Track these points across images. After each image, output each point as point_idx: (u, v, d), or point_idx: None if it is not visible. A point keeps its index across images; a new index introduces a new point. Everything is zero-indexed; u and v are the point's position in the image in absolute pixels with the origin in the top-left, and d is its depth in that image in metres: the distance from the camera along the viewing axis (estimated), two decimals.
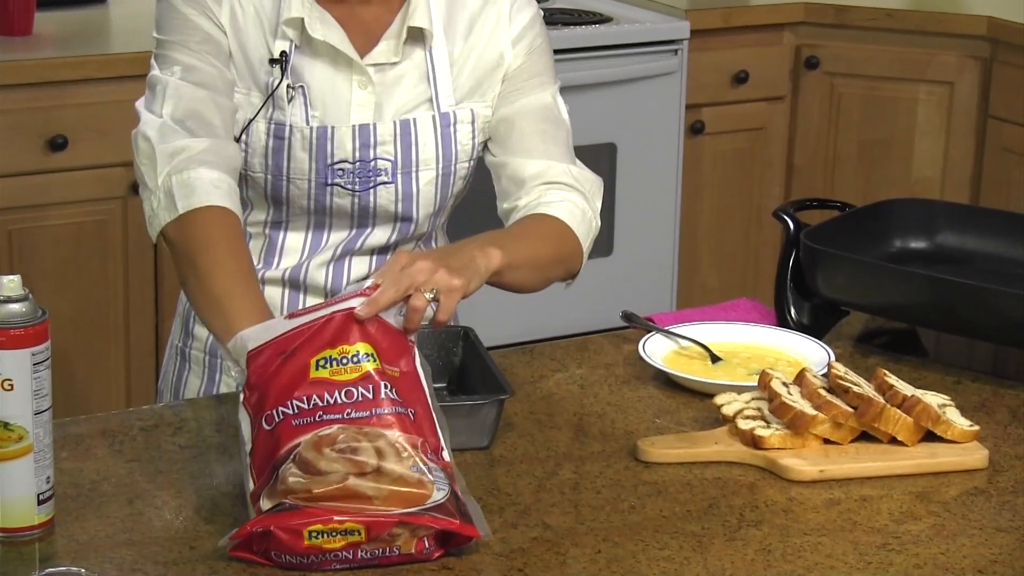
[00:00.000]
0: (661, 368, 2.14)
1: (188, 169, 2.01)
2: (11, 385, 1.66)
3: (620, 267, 4.08)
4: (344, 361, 1.71)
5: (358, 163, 2.12)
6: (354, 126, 2.11)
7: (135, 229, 3.47)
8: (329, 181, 2.12)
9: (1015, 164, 4.03)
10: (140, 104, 2.10)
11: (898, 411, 1.93)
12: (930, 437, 1.95)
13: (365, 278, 2.07)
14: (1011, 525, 1.81)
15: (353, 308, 1.74)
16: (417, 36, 2.13)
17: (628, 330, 2.30)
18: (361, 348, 1.72)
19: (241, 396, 1.75)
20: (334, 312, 1.74)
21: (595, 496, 1.84)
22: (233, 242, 1.99)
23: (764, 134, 4.28)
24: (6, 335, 1.65)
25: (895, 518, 1.82)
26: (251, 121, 2.11)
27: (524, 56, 2.19)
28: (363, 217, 2.16)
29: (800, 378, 2.00)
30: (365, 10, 2.13)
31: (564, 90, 2.25)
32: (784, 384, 1.98)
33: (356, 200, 2.14)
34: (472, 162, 2.20)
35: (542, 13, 2.24)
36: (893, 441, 1.94)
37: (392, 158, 2.13)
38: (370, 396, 1.70)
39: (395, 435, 1.68)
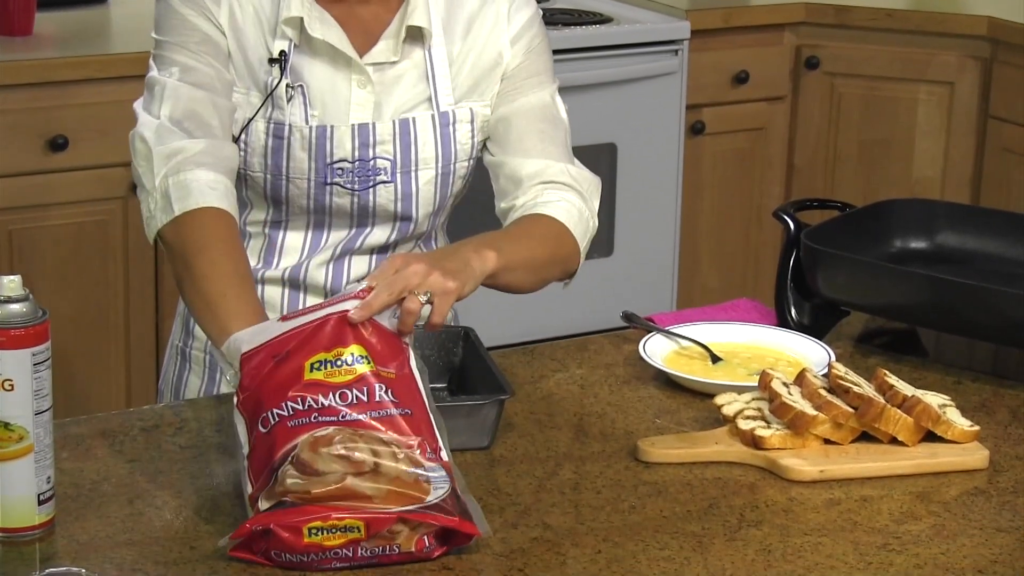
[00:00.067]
0: (661, 368, 2.14)
1: (185, 170, 2.01)
2: (11, 385, 1.65)
3: (620, 267, 4.08)
4: (338, 363, 1.71)
5: (357, 162, 2.12)
6: (353, 125, 2.11)
7: (135, 229, 3.46)
8: (328, 180, 2.12)
9: (1015, 164, 4.02)
10: (138, 105, 2.10)
11: (898, 411, 1.93)
12: (930, 437, 1.95)
13: (364, 278, 2.07)
14: (1011, 525, 1.81)
15: (347, 311, 1.74)
16: (416, 35, 2.13)
17: (628, 330, 2.30)
18: (355, 351, 1.72)
19: (235, 399, 1.75)
20: (328, 315, 1.74)
21: (595, 496, 1.84)
22: (229, 244, 1.99)
23: (764, 134, 4.28)
24: (6, 335, 1.65)
25: (895, 518, 1.81)
26: (250, 121, 2.11)
27: (523, 55, 2.18)
28: (362, 216, 2.16)
29: (800, 378, 2.00)
30: (364, 9, 2.13)
31: (564, 90, 2.25)
32: (784, 384, 1.98)
33: (355, 199, 2.14)
34: (471, 161, 2.19)
35: (541, 12, 2.24)
36: (893, 441, 1.94)
37: (391, 157, 2.13)
38: (365, 398, 1.70)
39: (392, 435, 1.68)
